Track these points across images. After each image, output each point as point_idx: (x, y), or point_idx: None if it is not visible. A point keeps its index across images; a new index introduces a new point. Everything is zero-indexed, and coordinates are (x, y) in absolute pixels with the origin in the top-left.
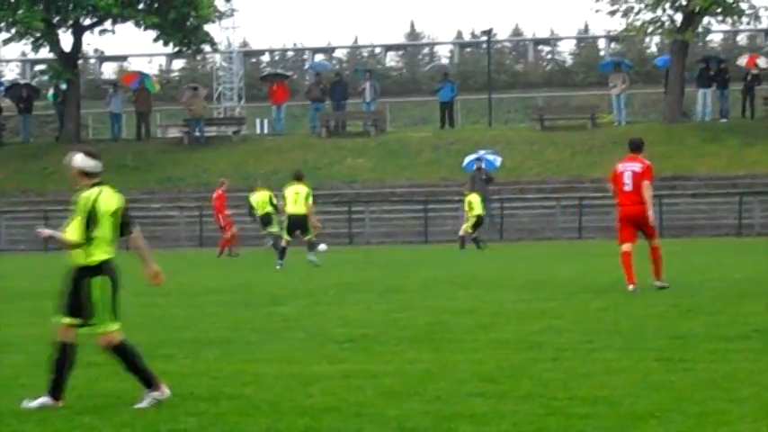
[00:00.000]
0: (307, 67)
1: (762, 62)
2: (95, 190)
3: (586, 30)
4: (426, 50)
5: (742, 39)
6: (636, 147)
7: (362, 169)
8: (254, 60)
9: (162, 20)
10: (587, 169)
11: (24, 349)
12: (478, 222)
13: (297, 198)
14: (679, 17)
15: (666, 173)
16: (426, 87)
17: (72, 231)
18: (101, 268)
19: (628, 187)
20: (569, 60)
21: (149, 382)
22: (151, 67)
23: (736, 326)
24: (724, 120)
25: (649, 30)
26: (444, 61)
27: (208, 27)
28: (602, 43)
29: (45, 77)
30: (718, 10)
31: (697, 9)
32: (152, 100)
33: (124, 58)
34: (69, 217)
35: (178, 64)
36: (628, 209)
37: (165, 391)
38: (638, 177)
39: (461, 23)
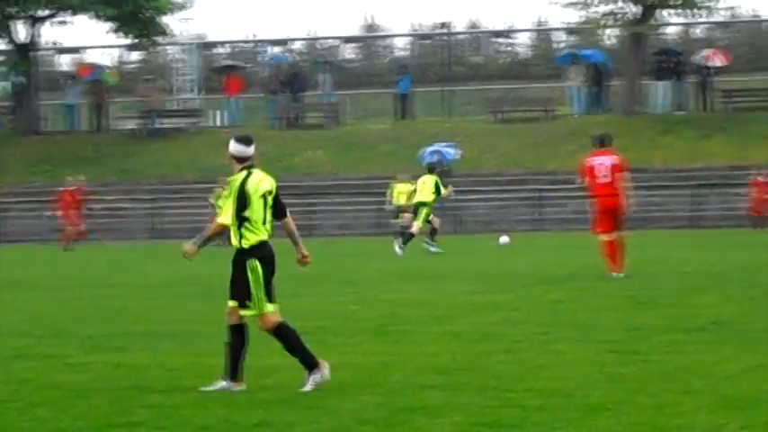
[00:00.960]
0: (264, 58)
1: (716, 60)
2: (243, 173)
3: (544, 22)
4: (384, 43)
5: (698, 31)
6: (605, 141)
7: (320, 161)
8: (211, 52)
9: (119, 11)
10: (544, 161)
11: None
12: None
13: (423, 187)
14: (636, 9)
15: None
16: (384, 79)
17: (224, 215)
18: (253, 250)
19: (604, 179)
20: (527, 53)
21: (309, 364)
22: (108, 59)
23: (692, 318)
24: (680, 112)
25: (607, 22)
26: (402, 53)
27: (165, 19)
28: (559, 36)
29: (1, 69)
30: (676, 2)
31: (655, 2)
32: (108, 92)
33: (81, 49)
34: (223, 200)
35: (135, 56)
36: (605, 200)
37: (326, 373)
38: (613, 170)
39: (419, 15)
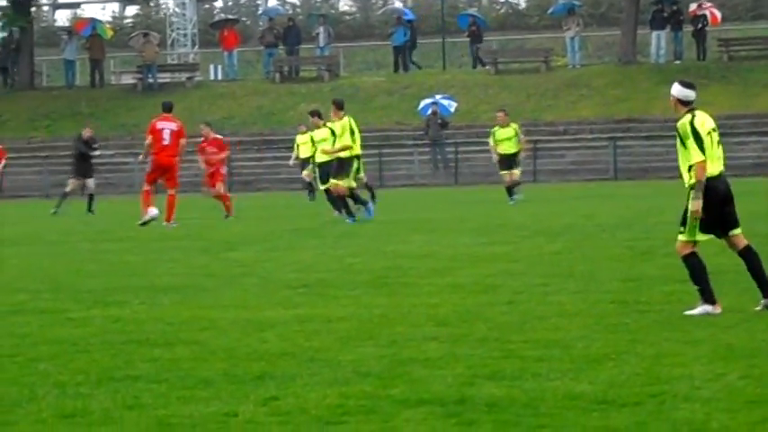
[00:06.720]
0: (260, 12)
1: (707, 13)
2: (688, 116)
3: None
4: None
5: None
6: (168, 108)
7: None
8: (207, 6)
9: None
10: (542, 113)
11: None
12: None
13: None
14: None
15: (620, 115)
16: (380, 32)
17: (694, 154)
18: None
19: (166, 142)
20: (523, 3)
21: (706, 296)
22: (104, 14)
23: None
24: (678, 61)
25: None
26: (398, 5)
27: None
28: None
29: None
30: None
31: None
32: (105, 47)
33: (77, 5)
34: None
35: (131, 11)
36: (163, 158)
37: (718, 310)
38: (174, 135)
39: None
